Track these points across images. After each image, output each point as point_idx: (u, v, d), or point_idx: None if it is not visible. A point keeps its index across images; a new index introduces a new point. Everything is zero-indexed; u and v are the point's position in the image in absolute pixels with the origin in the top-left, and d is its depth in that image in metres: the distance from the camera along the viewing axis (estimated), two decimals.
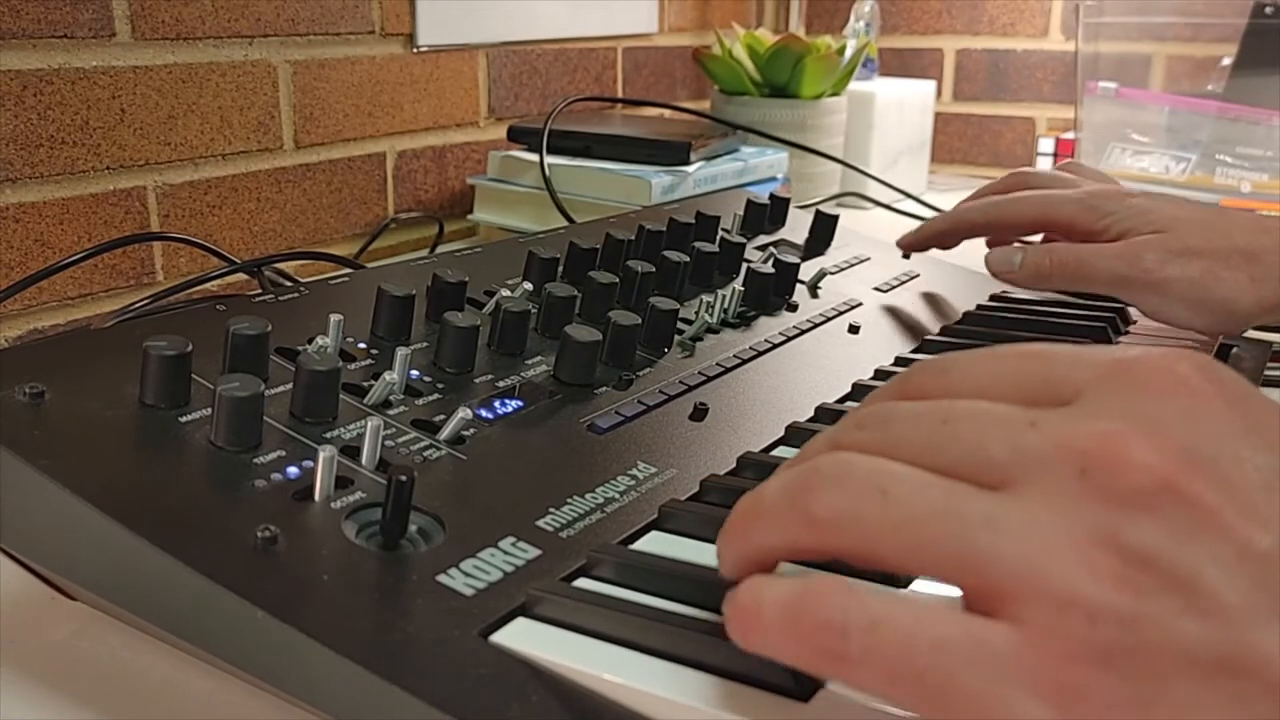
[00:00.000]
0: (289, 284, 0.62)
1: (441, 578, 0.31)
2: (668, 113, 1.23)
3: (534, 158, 0.96)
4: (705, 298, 0.56)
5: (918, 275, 0.71)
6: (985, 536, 0.23)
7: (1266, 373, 0.57)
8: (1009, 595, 0.22)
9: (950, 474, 0.24)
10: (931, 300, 0.67)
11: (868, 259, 0.72)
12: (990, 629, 0.22)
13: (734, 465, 0.42)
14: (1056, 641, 0.21)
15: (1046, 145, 1.35)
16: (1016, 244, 0.65)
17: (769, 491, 0.26)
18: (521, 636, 0.29)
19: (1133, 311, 0.64)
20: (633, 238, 0.59)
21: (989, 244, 0.68)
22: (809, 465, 0.26)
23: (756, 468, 0.41)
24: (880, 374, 0.53)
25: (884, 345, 0.58)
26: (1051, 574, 0.22)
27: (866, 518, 0.24)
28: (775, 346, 0.55)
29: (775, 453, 0.44)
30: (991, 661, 0.22)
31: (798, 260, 0.63)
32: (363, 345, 0.44)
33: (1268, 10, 1.18)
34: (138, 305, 0.67)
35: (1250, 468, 0.23)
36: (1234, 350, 0.60)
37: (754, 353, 0.53)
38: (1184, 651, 0.21)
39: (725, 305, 0.56)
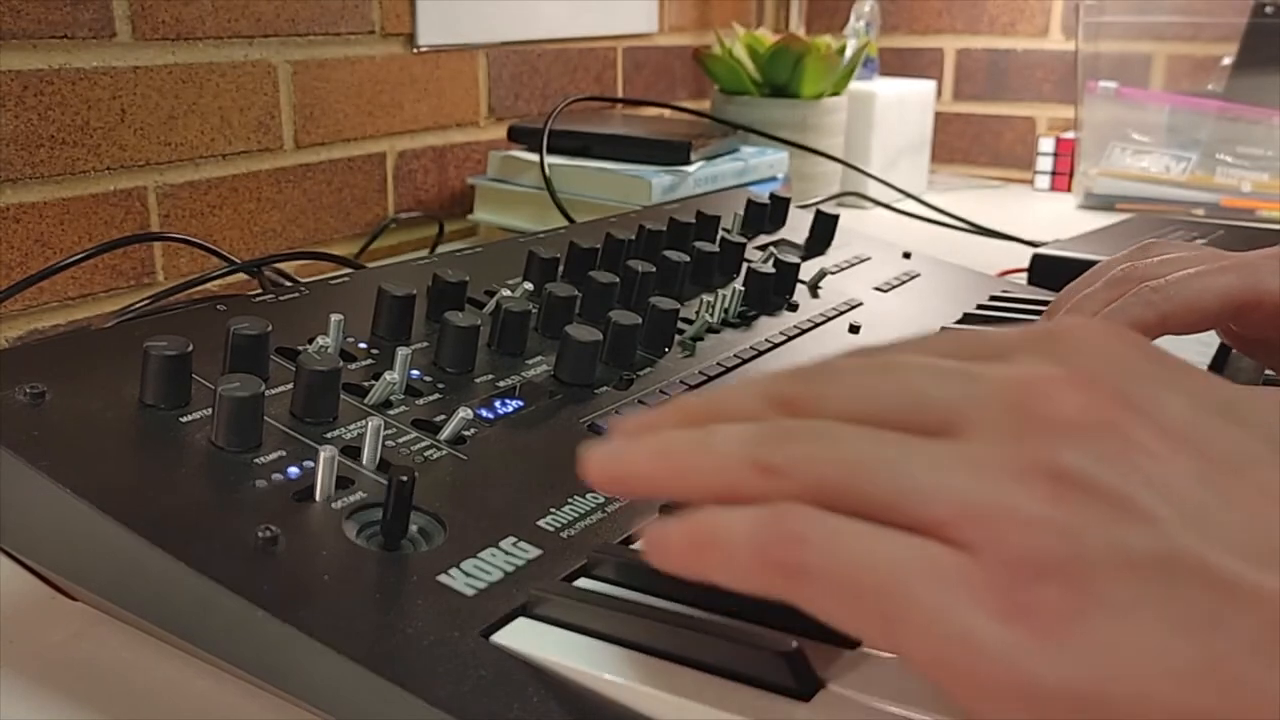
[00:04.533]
0: (289, 284, 0.62)
1: (442, 578, 0.31)
2: (668, 112, 1.23)
3: (534, 157, 0.96)
4: (705, 297, 0.56)
5: (918, 275, 0.71)
6: (928, 473, 0.24)
7: (1266, 373, 0.57)
8: (953, 523, 0.23)
9: (893, 422, 0.26)
10: (931, 300, 0.67)
11: (868, 259, 0.72)
12: (941, 550, 0.23)
13: None
14: (1000, 557, 0.22)
15: (1047, 145, 1.35)
16: None
17: (732, 520, 0.26)
18: (522, 637, 0.29)
19: None
20: (633, 237, 0.59)
21: None
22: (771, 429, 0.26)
23: None
24: None
25: None
26: (991, 497, 0.23)
27: (819, 460, 0.25)
28: (776, 346, 0.55)
29: None
30: (943, 578, 0.23)
31: (798, 260, 0.63)
32: (363, 345, 0.44)
33: (1268, 10, 1.18)
34: (138, 305, 0.67)
35: (1173, 410, 0.25)
36: (1233, 350, 0.60)
37: (754, 352, 0.53)
38: (1122, 555, 0.22)
39: (726, 305, 0.56)
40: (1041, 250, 0.81)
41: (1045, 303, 0.67)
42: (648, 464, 0.27)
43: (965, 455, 0.24)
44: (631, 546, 0.35)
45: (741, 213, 0.72)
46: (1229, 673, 0.21)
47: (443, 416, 0.40)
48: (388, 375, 0.40)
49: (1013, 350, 0.27)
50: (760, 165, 1.04)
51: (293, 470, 0.34)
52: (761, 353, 0.54)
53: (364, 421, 0.37)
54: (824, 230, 0.73)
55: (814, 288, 0.64)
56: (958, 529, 0.23)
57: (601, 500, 0.37)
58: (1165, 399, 0.25)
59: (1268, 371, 0.57)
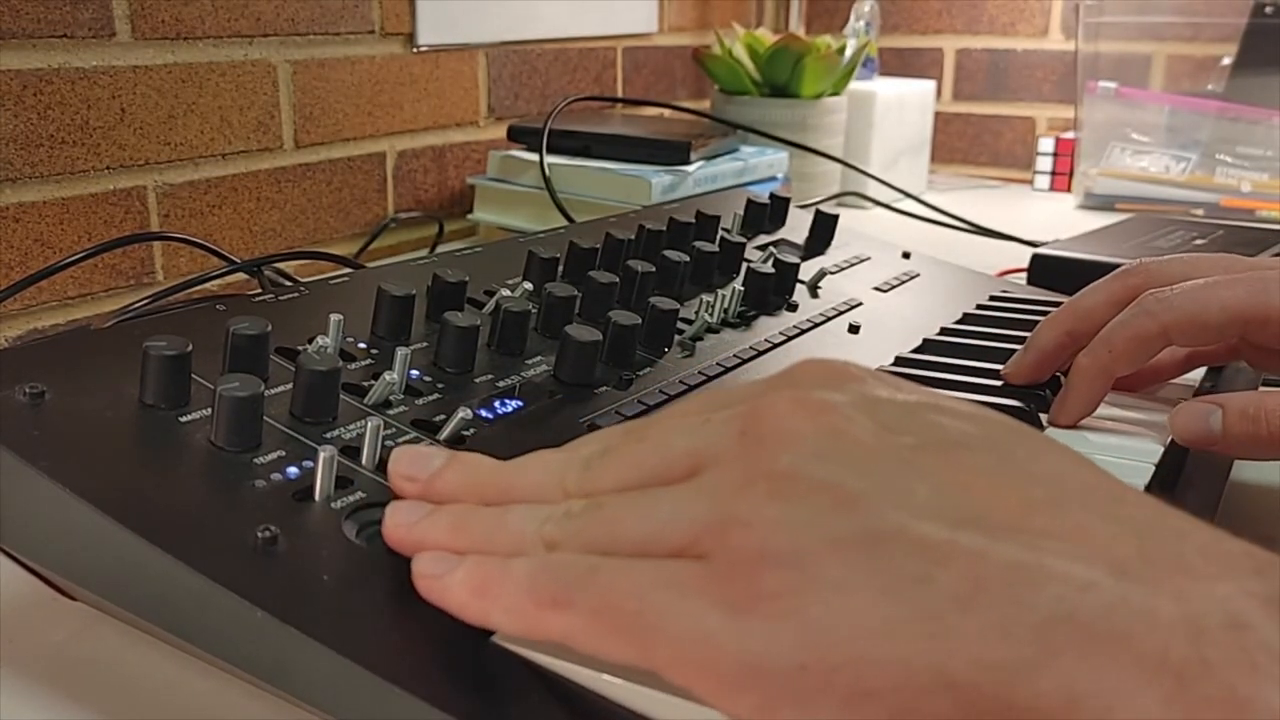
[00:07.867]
0: (289, 284, 0.62)
1: None
2: (668, 112, 1.23)
3: (534, 157, 0.96)
4: (705, 297, 0.56)
5: (918, 275, 0.71)
6: (670, 510, 0.27)
7: (1266, 376, 0.57)
8: (693, 545, 0.26)
9: (652, 480, 0.28)
10: (931, 300, 0.67)
11: (868, 259, 0.72)
12: (681, 564, 0.26)
13: None
14: (729, 558, 0.25)
15: (1046, 145, 1.35)
16: (1208, 399, 0.44)
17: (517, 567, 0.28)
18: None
19: None
20: (633, 237, 0.59)
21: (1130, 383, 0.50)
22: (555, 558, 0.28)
23: None
24: None
25: (884, 345, 0.58)
26: (720, 511, 0.26)
27: (591, 524, 0.28)
28: (775, 346, 0.55)
29: None
30: (680, 586, 0.25)
31: (798, 260, 0.63)
32: (363, 345, 0.44)
33: (1268, 10, 1.18)
34: (138, 305, 0.67)
35: (887, 408, 0.28)
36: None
37: (754, 352, 0.53)
38: (831, 537, 0.24)
39: (725, 305, 0.56)
40: (1041, 250, 0.81)
41: (1044, 302, 0.67)
42: (447, 537, 0.30)
43: (703, 485, 0.27)
44: None
45: (741, 213, 0.72)
46: (934, 621, 0.22)
47: (442, 416, 0.40)
48: (387, 375, 0.40)
49: (751, 394, 0.29)
50: (760, 165, 1.04)
51: (292, 470, 0.34)
52: (761, 353, 0.53)
53: (363, 421, 0.37)
54: (824, 230, 0.73)
55: (813, 288, 0.64)
56: (697, 548, 0.26)
57: None
58: (880, 402, 0.28)
59: (1266, 376, 0.57)
